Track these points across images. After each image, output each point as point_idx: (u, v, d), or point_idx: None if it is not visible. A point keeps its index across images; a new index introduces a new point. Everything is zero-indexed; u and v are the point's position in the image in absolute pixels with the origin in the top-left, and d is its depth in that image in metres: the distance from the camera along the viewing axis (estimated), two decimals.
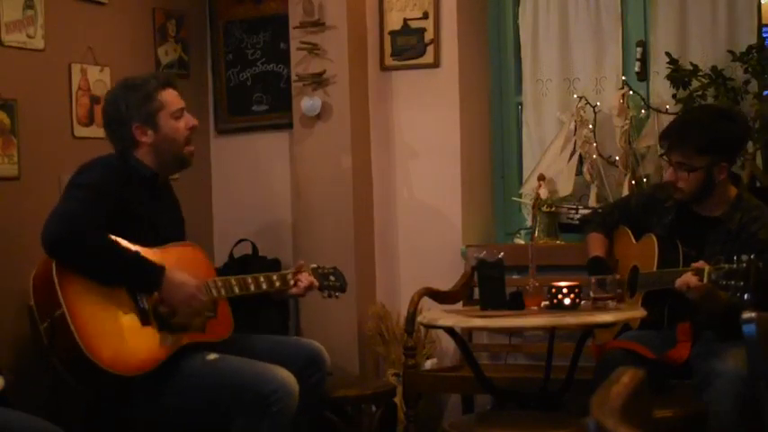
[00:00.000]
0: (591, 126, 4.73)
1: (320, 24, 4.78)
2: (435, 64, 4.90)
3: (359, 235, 4.85)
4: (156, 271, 3.31)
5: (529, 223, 4.89)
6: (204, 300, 3.41)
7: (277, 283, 3.69)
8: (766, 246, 3.50)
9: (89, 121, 4.41)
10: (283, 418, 3.30)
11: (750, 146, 4.31)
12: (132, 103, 3.51)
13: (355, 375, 4.76)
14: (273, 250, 5.04)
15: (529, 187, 4.86)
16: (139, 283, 3.33)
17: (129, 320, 3.29)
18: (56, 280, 3.21)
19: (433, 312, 3.83)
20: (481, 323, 3.68)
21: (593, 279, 3.61)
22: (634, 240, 3.90)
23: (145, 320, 3.32)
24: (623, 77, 4.73)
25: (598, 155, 4.73)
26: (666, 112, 4.52)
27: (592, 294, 3.58)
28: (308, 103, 4.81)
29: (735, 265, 3.28)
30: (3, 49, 4.04)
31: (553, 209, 4.77)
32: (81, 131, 4.38)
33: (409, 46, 4.94)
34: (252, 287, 3.60)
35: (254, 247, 5.03)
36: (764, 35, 4.60)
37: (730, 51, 4.45)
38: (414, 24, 4.92)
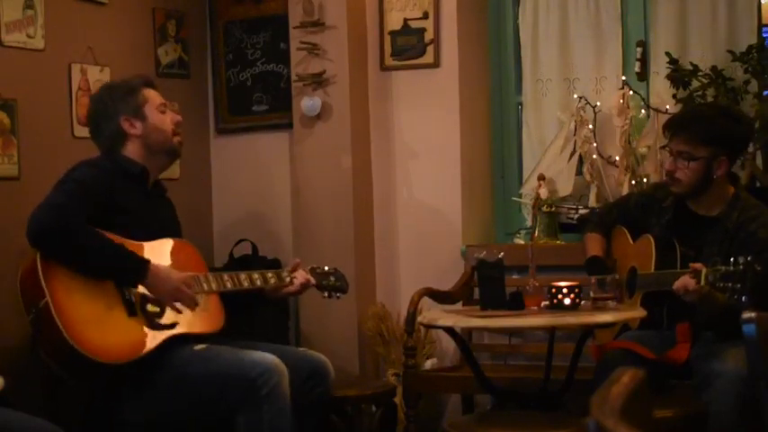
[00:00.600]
0: (591, 126, 4.73)
1: (320, 24, 4.78)
2: (435, 64, 4.90)
3: (359, 235, 4.85)
4: (141, 263, 3.33)
5: (529, 223, 4.89)
6: (190, 293, 3.41)
7: (272, 280, 3.70)
8: (764, 245, 3.50)
9: None
10: (277, 399, 3.31)
11: (750, 146, 4.31)
12: (118, 98, 3.59)
13: (355, 375, 4.76)
14: (273, 250, 5.04)
15: (529, 187, 4.86)
16: (124, 276, 3.34)
17: (116, 311, 3.31)
18: (40, 270, 3.22)
19: (433, 312, 3.84)
20: (481, 323, 3.68)
21: (592, 279, 3.61)
22: (631, 240, 3.90)
23: (131, 312, 3.33)
24: (623, 77, 4.73)
25: (598, 155, 4.73)
26: (666, 112, 4.51)
27: (592, 294, 3.58)
28: (308, 103, 4.81)
29: (732, 267, 3.28)
30: (3, 49, 4.04)
31: (553, 209, 4.77)
32: (81, 131, 4.37)
33: (409, 46, 4.94)
34: (245, 283, 3.62)
35: (254, 247, 5.03)
36: (764, 35, 4.60)
37: (730, 51, 4.45)
38: (414, 24, 4.92)
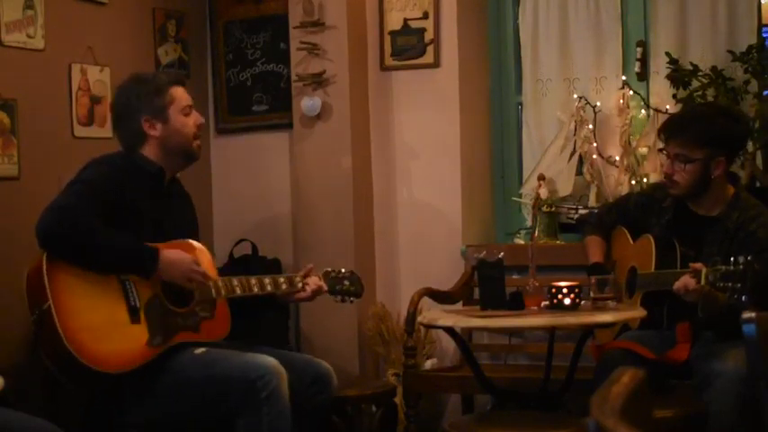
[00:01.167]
0: (591, 126, 4.73)
1: (320, 24, 4.79)
2: (435, 64, 4.90)
3: (359, 235, 4.85)
4: (151, 253, 3.33)
5: (529, 223, 4.90)
6: (202, 270, 3.42)
7: (284, 286, 3.66)
8: (764, 245, 3.50)
9: (89, 121, 4.41)
10: (277, 401, 3.30)
11: (750, 146, 4.31)
12: (143, 96, 3.53)
13: (355, 375, 4.76)
14: (273, 250, 5.04)
15: (529, 187, 4.86)
16: (135, 267, 3.33)
17: (118, 317, 3.29)
18: (45, 272, 3.22)
19: (433, 312, 3.83)
20: (481, 323, 3.68)
21: (592, 279, 3.61)
22: (631, 241, 3.90)
23: (134, 318, 3.32)
24: (623, 77, 4.73)
25: (598, 155, 4.73)
26: (666, 112, 4.52)
27: (592, 295, 3.58)
28: (308, 103, 4.81)
29: (732, 267, 3.28)
30: (3, 49, 4.04)
31: (553, 209, 4.77)
32: (81, 131, 4.38)
33: (409, 46, 4.94)
34: (256, 289, 3.59)
35: (254, 247, 5.03)
36: (764, 35, 4.60)
37: (730, 51, 4.45)
38: (414, 24, 4.92)
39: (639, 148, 4.66)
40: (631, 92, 4.70)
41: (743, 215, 3.62)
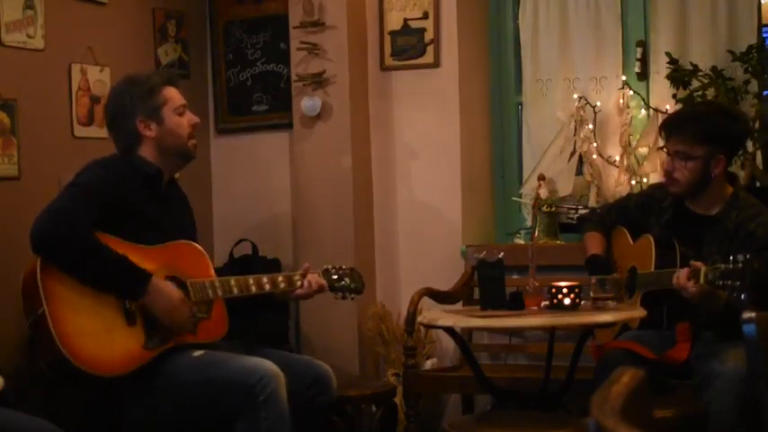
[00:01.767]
0: (591, 126, 4.73)
1: (320, 24, 4.79)
2: (435, 64, 4.90)
3: (359, 235, 4.85)
4: (142, 278, 3.28)
5: (529, 223, 4.90)
6: (188, 315, 3.37)
7: (282, 285, 3.64)
8: (763, 243, 3.50)
9: (89, 121, 4.42)
10: (275, 405, 3.29)
11: (750, 146, 4.31)
12: (136, 97, 3.52)
13: (355, 375, 4.76)
14: (273, 250, 5.04)
15: (529, 187, 4.86)
16: (123, 289, 3.30)
17: (114, 320, 3.28)
18: (39, 277, 3.20)
19: (433, 312, 3.83)
20: (481, 323, 3.68)
21: (593, 279, 3.61)
22: (631, 241, 3.90)
23: (131, 321, 3.31)
24: (623, 77, 4.74)
25: (598, 155, 4.73)
26: (666, 112, 4.52)
27: (592, 294, 3.58)
28: (308, 103, 4.81)
29: (731, 265, 3.28)
30: (3, 49, 4.04)
31: (553, 209, 4.77)
32: (81, 131, 4.38)
33: (409, 46, 4.94)
34: (254, 288, 3.58)
35: (254, 247, 5.03)
36: (764, 35, 4.60)
37: (730, 51, 4.45)
38: (414, 24, 4.92)
39: (639, 148, 4.67)
40: (631, 92, 4.71)
41: (742, 214, 3.62)
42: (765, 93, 4.48)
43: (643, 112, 4.70)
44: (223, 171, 5.20)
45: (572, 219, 4.74)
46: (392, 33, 4.95)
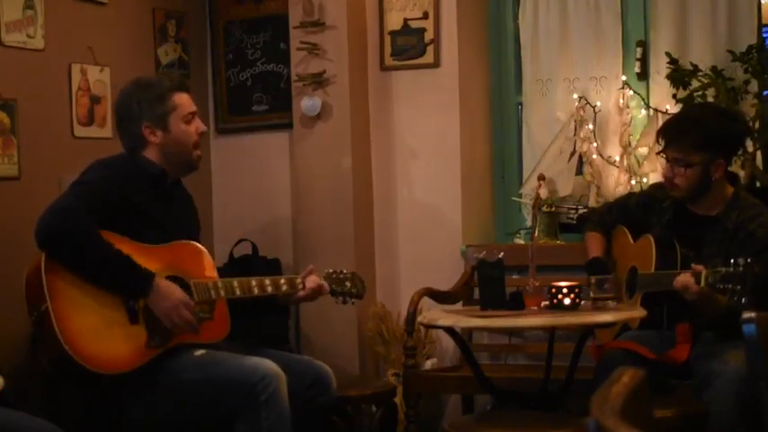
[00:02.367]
0: (591, 126, 4.73)
1: (320, 24, 4.79)
2: (435, 64, 4.90)
3: (359, 235, 4.85)
4: (145, 278, 3.29)
5: (529, 223, 4.90)
6: (189, 316, 3.37)
7: (284, 287, 3.64)
8: (763, 245, 3.50)
9: (89, 121, 4.42)
10: (276, 404, 3.29)
11: (750, 146, 4.31)
12: (145, 102, 3.51)
13: (355, 375, 4.76)
14: (273, 250, 5.04)
15: (529, 187, 4.86)
16: (126, 288, 3.30)
17: (117, 318, 3.28)
18: (43, 273, 3.21)
19: (433, 312, 3.83)
20: (481, 323, 3.68)
21: (592, 279, 3.61)
22: (632, 241, 3.90)
23: (134, 319, 3.31)
24: (623, 77, 4.74)
25: (598, 155, 4.73)
26: (666, 112, 4.52)
27: (592, 294, 3.58)
28: (308, 103, 4.81)
29: (731, 269, 3.28)
30: (3, 49, 4.04)
31: (553, 209, 4.77)
32: (81, 131, 4.38)
33: (409, 46, 4.94)
34: (256, 290, 3.57)
35: (254, 247, 5.03)
36: (764, 35, 4.60)
37: (730, 51, 4.45)
38: (414, 24, 4.92)
39: (639, 148, 4.67)
40: (631, 92, 4.70)
41: (742, 215, 3.62)
42: (765, 93, 4.48)
43: (643, 112, 4.70)
44: (223, 171, 5.20)
45: (572, 219, 4.74)
46: (392, 33, 4.95)
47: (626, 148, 4.68)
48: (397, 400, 4.56)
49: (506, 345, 4.77)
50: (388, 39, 4.95)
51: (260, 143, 5.15)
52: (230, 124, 5.20)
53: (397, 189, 4.97)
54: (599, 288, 3.57)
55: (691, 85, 4.46)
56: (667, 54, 4.54)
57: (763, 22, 4.60)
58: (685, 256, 3.61)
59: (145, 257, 3.35)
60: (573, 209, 4.75)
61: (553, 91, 4.89)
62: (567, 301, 3.48)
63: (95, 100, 4.43)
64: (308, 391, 3.52)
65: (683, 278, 3.41)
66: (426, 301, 4.48)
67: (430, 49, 4.90)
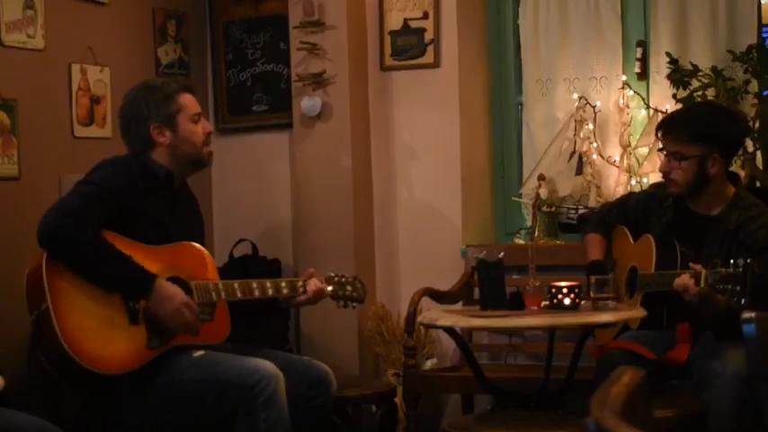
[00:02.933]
0: (591, 126, 4.73)
1: (320, 24, 4.79)
2: (435, 64, 4.90)
3: (359, 235, 4.85)
4: (147, 279, 3.29)
5: (529, 223, 4.89)
6: (191, 318, 3.36)
7: (285, 290, 3.64)
8: (764, 245, 3.50)
9: (89, 121, 4.42)
10: (275, 406, 3.29)
11: (750, 146, 4.31)
12: (152, 103, 3.52)
13: (355, 375, 4.76)
14: (273, 250, 5.04)
15: (529, 187, 4.86)
16: (128, 289, 3.30)
17: (117, 318, 3.28)
18: (44, 272, 3.21)
19: (433, 312, 3.83)
20: (481, 323, 3.68)
21: (592, 279, 3.60)
22: (632, 241, 3.90)
23: (134, 319, 3.31)
24: (623, 77, 4.74)
25: (598, 155, 4.74)
26: (666, 112, 4.51)
27: (591, 295, 3.58)
28: (308, 103, 4.81)
29: (731, 269, 3.28)
30: (3, 49, 4.04)
31: (553, 209, 4.77)
32: (81, 131, 4.38)
33: (409, 46, 4.94)
34: (257, 292, 3.57)
35: (254, 247, 5.03)
36: (764, 35, 4.60)
37: (730, 51, 4.45)
38: (414, 24, 4.92)
39: (639, 148, 4.67)
40: (631, 92, 4.71)
41: (743, 215, 3.61)
42: (765, 93, 4.48)
43: (643, 112, 4.70)
44: (223, 171, 5.20)
45: (572, 219, 4.74)
46: (392, 33, 4.95)
47: (626, 148, 4.68)
48: (397, 400, 4.56)
49: (506, 345, 4.76)
50: (388, 39, 4.95)
51: (260, 143, 5.15)
52: (230, 124, 5.20)
53: (397, 189, 4.97)
54: (599, 288, 3.57)
55: (691, 85, 4.46)
56: (667, 54, 4.54)
57: (763, 22, 4.60)
58: (685, 255, 3.61)
59: (146, 258, 3.35)
60: (573, 209, 4.75)
61: (553, 91, 4.89)
62: (567, 301, 3.48)
63: (95, 100, 4.43)
64: (308, 392, 3.52)
65: (683, 279, 3.42)
66: (426, 301, 4.47)
67: (430, 49, 4.90)
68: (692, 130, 3.64)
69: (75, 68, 4.36)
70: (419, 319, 3.86)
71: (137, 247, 3.35)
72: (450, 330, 3.81)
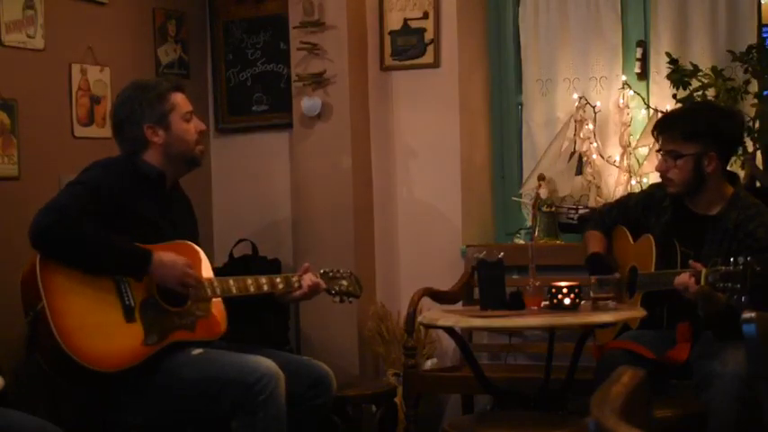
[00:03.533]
0: (591, 126, 4.73)
1: (320, 24, 4.79)
2: (435, 64, 4.90)
3: (359, 235, 4.85)
4: (144, 255, 3.31)
5: (529, 223, 4.90)
6: (195, 274, 3.40)
7: (280, 286, 3.64)
8: (763, 244, 3.50)
9: (89, 121, 4.42)
10: (274, 405, 3.29)
11: (750, 146, 4.31)
12: (146, 103, 3.51)
13: (355, 375, 4.76)
14: (273, 250, 5.04)
15: (529, 187, 4.86)
16: (127, 268, 3.32)
17: (113, 316, 3.28)
18: (38, 273, 3.21)
19: (433, 312, 3.83)
20: (481, 323, 3.68)
21: (593, 279, 3.61)
22: (632, 240, 3.90)
23: (129, 317, 3.31)
24: (623, 77, 4.74)
25: (598, 155, 4.74)
26: (666, 112, 4.51)
27: (592, 294, 3.58)
28: (308, 103, 4.81)
29: (731, 268, 3.28)
30: (3, 49, 4.04)
31: (553, 209, 4.77)
32: (81, 131, 4.38)
33: (409, 46, 4.94)
34: (252, 288, 3.58)
35: (254, 247, 5.03)
36: (764, 35, 4.60)
37: (730, 51, 4.45)
38: (414, 24, 4.92)
39: (639, 148, 4.67)
40: (631, 92, 4.71)
41: (742, 214, 3.61)
42: (765, 93, 4.48)
43: (643, 112, 4.70)
44: (223, 171, 5.20)
45: (572, 219, 4.74)
46: (392, 33, 4.95)
47: (626, 148, 4.68)
48: (397, 400, 4.56)
49: (506, 345, 4.77)
50: (388, 39, 4.95)
51: (260, 143, 5.15)
52: (230, 124, 5.20)
53: (397, 189, 4.97)
54: (599, 288, 3.57)
55: (691, 85, 4.45)
56: (667, 54, 4.54)
57: (763, 22, 4.60)
58: (685, 255, 3.61)
59: None
60: (573, 209, 4.75)
61: (553, 91, 4.89)
62: (567, 301, 3.48)
63: (95, 100, 4.43)
64: (308, 392, 3.52)
65: (683, 278, 3.42)
66: (426, 301, 4.47)
67: (430, 49, 4.91)
68: (686, 127, 3.64)
69: (75, 68, 4.37)
70: (419, 319, 3.86)
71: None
72: (450, 330, 3.81)
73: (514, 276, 4.47)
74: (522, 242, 4.82)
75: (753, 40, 4.51)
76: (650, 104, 4.67)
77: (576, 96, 4.78)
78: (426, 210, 4.93)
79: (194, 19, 5.11)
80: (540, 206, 4.76)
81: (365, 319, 4.81)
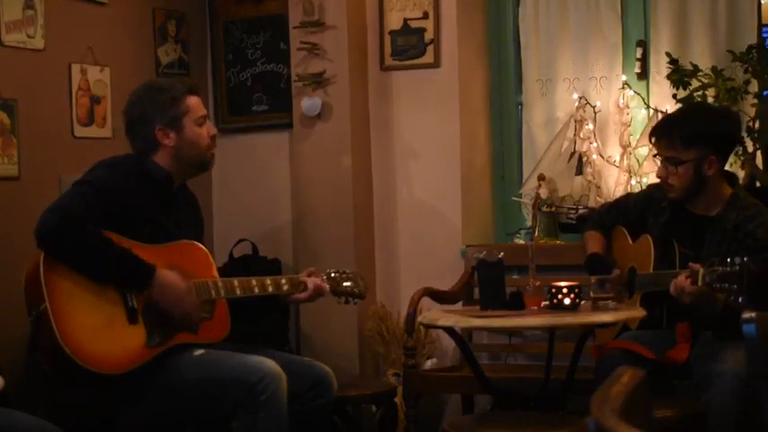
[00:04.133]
0: (591, 126, 4.73)
1: (320, 24, 4.79)
2: (435, 64, 4.90)
3: (359, 235, 4.85)
4: (147, 270, 3.29)
5: (529, 223, 4.90)
6: (195, 301, 3.37)
7: (285, 287, 3.64)
8: (762, 244, 3.50)
9: (89, 121, 4.42)
10: (275, 405, 3.29)
11: (750, 146, 4.31)
12: (158, 105, 3.50)
13: (355, 375, 4.76)
14: (273, 250, 5.04)
15: (529, 187, 4.86)
16: (128, 281, 3.30)
17: (116, 318, 3.28)
18: (42, 273, 3.20)
19: (433, 312, 3.83)
20: (481, 323, 3.68)
21: (593, 279, 3.60)
22: (630, 241, 3.90)
23: (132, 319, 3.30)
24: (623, 77, 4.74)
25: (598, 155, 4.74)
26: (666, 112, 4.51)
27: (592, 294, 3.58)
28: (308, 103, 4.81)
29: (728, 268, 3.28)
30: (3, 49, 4.04)
31: (553, 209, 4.77)
32: (81, 131, 4.38)
33: (409, 46, 4.94)
34: (256, 290, 3.57)
35: (254, 247, 5.03)
36: (764, 35, 4.60)
37: (730, 51, 4.45)
38: (414, 24, 4.92)
39: (639, 148, 4.67)
40: (631, 92, 4.71)
41: (741, 215, 3.61)
42: (765, 93, 4.48)
43: (643, 112, 4.70)
44: (223, 171, 5.19)
45: (572, 219, 4.74)
46: (392, 33, 4.95)
47: (626, 148, 4.69)
48: (397, 400, 4.56)
49: (506, 345, 4.77)
50: (388, 39, 4.95)
51: (260, 143, 5.15)
52: (230, 124, 5.20)
53: (397, 189, 4.97)
54: (599, 288, 3.57)
55: (691, 85, 4.45)
56: (667, 54, 4.54)
57: (763, 22, 4.60)
58: (684, 255, 3.61)
59: (144, 255, 3.34)
60: (573, 209, 4.75)
61: (553, 91, 4.89)
62: (567, 301, 3.47)
63: (95, 100, 4.43)
64: (308, 393, 3.52)
65: (679, 281, 3.41)
66: (426, 301, 4.47)
67: (430, 49, 4.91)
68: (685, 134, 3.62)
69: (75, 68, 4.37)
70: (419, 319, 3.86)
71: (135, 245, 3.35)
72: (450, 330, 3.81)
73: (514, 276, 4.46)
74: (522, 242, 4.82)
75: (753, 40, 4.51)
76: (650, 104, 4.67)
77: (575, 96, 4.78)
78: (426, 210, 4.93)
79: (194, 19, 5.11)
80: (540, 206, 4.76)
81: (365, 319, 4.81)
